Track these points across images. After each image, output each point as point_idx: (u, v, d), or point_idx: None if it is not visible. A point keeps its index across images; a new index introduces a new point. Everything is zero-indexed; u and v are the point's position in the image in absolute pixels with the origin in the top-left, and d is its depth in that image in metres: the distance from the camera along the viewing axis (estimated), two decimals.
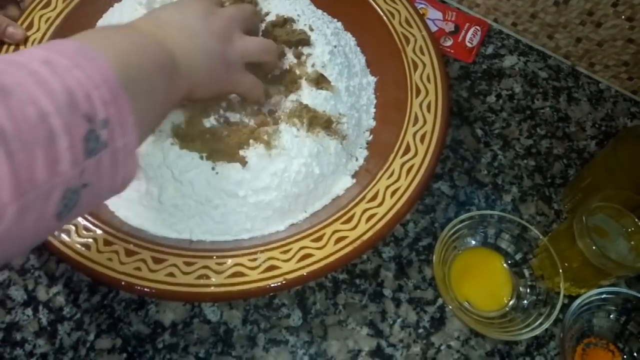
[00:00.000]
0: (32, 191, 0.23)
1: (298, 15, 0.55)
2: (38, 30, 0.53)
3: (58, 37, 0.53)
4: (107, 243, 0.42)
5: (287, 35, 0.52)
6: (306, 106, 0.48)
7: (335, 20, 0.60)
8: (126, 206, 0.46)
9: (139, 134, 0.29)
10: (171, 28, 0.38)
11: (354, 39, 0.59)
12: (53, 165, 0.24)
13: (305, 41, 0.52)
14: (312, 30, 0.53)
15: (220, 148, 0.45)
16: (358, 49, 0.58)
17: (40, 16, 0.53)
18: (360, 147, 0.52)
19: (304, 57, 0.52)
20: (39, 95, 0.23)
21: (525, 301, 0.48)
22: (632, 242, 0.47)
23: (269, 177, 0.45)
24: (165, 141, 0.45)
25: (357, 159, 0.51)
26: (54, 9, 0.54)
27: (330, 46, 0.53)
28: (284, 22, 0.53)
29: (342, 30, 0.59)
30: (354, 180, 0.50)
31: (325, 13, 0.59)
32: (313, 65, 0.51)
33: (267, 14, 0.54)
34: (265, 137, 0.46)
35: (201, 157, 0.45)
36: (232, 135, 0.46)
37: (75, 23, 0.54)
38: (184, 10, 0.41)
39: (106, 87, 0.26)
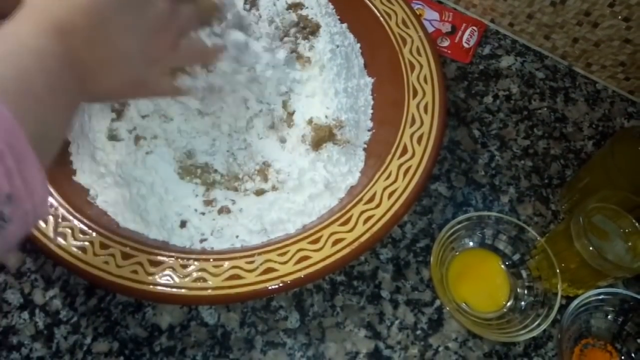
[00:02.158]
0: None
1: (312, 8, 0.55)
2: None
3: None
4: (103, 246, 0.42)
5: (302, 22, 0.52)
6: (310, 121, 0.49)
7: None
8: (122, 210, 0.46)
9: (46, 180, 0.26)
10: (102, 45, 0.31)
11: (354, 40, 0.59)
12: None
13: (314, 32, 0.53)
14: (319, 27, 0.54)
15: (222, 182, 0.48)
16: (359, 50, 0.58)
17: None
18: (359, 148, 0.52)
19: (305, 50, 0.52)
20: None
21: (523, 302, 0.48)
22: (630, 243, 0.47)
23: (280, 211, 0.47)
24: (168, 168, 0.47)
25: (358, 161, 0.51)
26: None
27: (332, 45, 0.53)
28: (297, 5, 0.54)
29: (347, 31, 0.59)
30: (356, 180, 0.50)
31: (335, 10, 0.59)
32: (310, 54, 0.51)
33: None
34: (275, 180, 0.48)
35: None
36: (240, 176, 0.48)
37: None
38: (136, 14, 0.32)
39: (11, 154, 0.23)
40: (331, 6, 0.59)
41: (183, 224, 0.45)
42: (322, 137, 0.49)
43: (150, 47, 0.34)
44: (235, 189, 0.48)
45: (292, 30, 0.52)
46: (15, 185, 0.24)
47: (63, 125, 0.30)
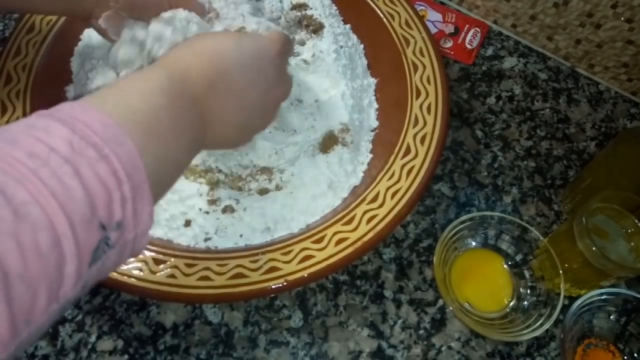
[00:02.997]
0: (29, 328, 0.20)
1: (316, 9, 0.55)
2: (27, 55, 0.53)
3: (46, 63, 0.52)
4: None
5: (306, 20, 0.53)
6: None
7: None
8: None
9: (152, 216, 0.26)
10: (225, 93, 0.33)
11: (358, 40, 0.59)
12: (55, 294, 0.21)
13: (317, 30, 0.53)
14: (322, 27, 0.54)
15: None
16: (362, 51, 0.58)
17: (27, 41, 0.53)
18: (362, 148, 0.52)
19: (310, 49, 0.52)
20: (56, 215, 0.21)
21: (525, 302, 0.49)
22: (632, 243, 0.47)
23: (283, 209, 0.47)
24: None
25: (361, 161, 0.51)
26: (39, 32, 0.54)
27: (336, 45, 0.53)
28: (301, 5, 0.55)
29: (351, 32, 0.59)
30: (360, 180, 0.50)
31: (339, 11, 0.60)
32: (313, 56, 0.52)
33: None
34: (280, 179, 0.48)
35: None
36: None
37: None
38: (257, 70, 0.35)
39: (129, 184, 0.24)
40: (335, 7, 0.59)
41: (188, 223, 0.46)
42: (326, 137, 0.49)
43: (267, 101, 0.37)
44: (239, 189, 0.48)
45: (294, 28, 0.53)
46: (127, 214, 0.24)
47: (179, 165, 0.31)
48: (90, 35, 0.56)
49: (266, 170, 0.48)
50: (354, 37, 0.58)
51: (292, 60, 0.50)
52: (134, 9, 0.42)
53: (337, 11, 0.59)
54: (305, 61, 0.51)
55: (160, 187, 0.29)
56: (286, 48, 0.39)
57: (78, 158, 0.22)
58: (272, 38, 0.38)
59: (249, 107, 0.36)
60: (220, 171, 0.48)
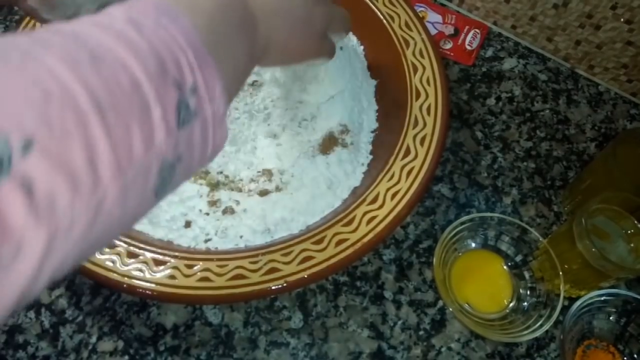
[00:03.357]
0: (131, 168, 0.21)
1: None
2: None
3: None
4: (109, 246, 0.43)
5: None
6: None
7: None
8: None
9: (226, 100, 0.26)
10: None
11: (358, 42, 0.59)
12: (149, 138, 0.22)
13: None
14: None
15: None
16: (362, 52, 0.59)
17: None
18: (362, 149, 0.52)
19: None
20: (129, 61, 0.22)
21: (525, 303, 0.49)
22: (632, 244, 0.47)
23: (283, 210, 0.47)
24: None
25: (361, 162, 0.51)
26: None
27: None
28: None
29: (350, 33, 0.59)
30: (359, 181, 0.50)
31: None
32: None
33: None
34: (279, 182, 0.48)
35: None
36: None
37: None
38: None
39: (192, 51, 0.24)
40: None
41: (188, 224, 0.46)
42: (326, 138, 0.49)
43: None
44: (240, 190, 0.48)
45: None
46: (198, 80, 0.24)
47: (240, 50, 0.30)
48: None
49: (266, 172, 0.49)
50: (354, 39, 0.58)
51: None
52: None
53: None
54: None
55: (225, 71, 0.27)
56: None
57: (138, 26, 0.23)
58: None
59: (296, 4, 0.34)
60: (220, 172, 0.49)
